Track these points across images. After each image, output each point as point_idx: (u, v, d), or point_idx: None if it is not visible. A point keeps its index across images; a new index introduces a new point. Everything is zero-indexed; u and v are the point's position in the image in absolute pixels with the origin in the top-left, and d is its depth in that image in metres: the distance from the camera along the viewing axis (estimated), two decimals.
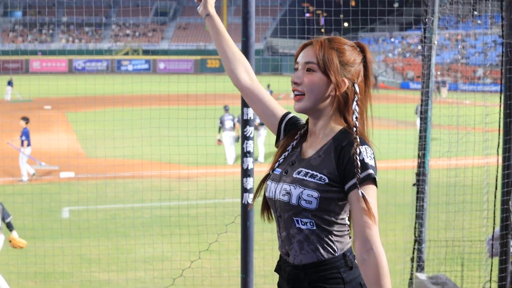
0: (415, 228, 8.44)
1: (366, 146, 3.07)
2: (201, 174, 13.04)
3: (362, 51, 3.24)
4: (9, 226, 9.23)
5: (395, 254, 9.47)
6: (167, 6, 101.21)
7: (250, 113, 5.79)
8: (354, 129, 3.11)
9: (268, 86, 39.96)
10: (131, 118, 9.92)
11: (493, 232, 7.28)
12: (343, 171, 3.03)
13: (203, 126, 9.20)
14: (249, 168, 5.83)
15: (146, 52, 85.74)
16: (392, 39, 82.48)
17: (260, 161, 20.37)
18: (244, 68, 3.52)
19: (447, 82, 46.92)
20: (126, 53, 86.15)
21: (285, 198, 3.10)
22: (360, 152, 3.02)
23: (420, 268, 8.46)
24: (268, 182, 3.26)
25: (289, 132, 3.41)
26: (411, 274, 8.54)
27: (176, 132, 9.22)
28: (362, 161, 3.00)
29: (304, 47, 3.24)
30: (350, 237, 3.21)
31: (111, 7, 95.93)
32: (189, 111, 8.93)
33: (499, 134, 7.07)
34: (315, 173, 3.07)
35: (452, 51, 57.30)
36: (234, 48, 3.54)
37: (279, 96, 41.28)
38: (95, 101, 10.60)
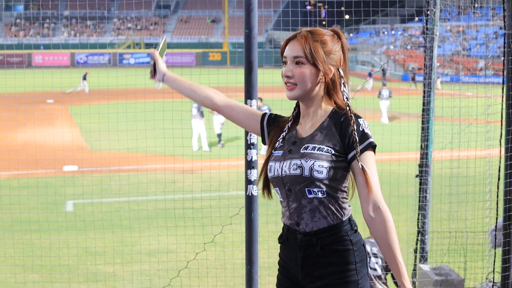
0: (418, 219, 8.47)
1: (363, 119, 3.54)
2: (205, 167, 13.11)
3: (339, 37, 3.65)
4: None
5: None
6: None
7: (254, 105, 5.81)
8: (347, 107, 3.55)
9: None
10: (135, 111, 9.96)
11: (496, 223, 7.32)
12: (347, 142, 3.47)
13: (207, 119, 9.23)
14: (253, 160, 5.86)
15: (148, 46, 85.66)
16: (393, 31, 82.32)
17: (262, 154, 20.50)
18: (213, 92, 3.92)
19: (437, 74, 47.09)
20: (128, 47, 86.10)
21: (297, 171, 3.47)
22: (360, 124, 3.48)
23: (424, 259, 8.50)
24: (271, 163, 3.64)
25: (273, 125, 3.82)
26: (415, 265, 8.58)
27: (180, 125, 9.25)
28: (363, 131, 3.47)
29: (288, 41, 3.63)
30: (349, 206, 3.62)
31: (113, 0, 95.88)
32: (193, 103, 8.96)
33: (501, 125, 7.10)
34: (321, 146, 3.48)
35: (454, 43, 57.20)
36: (195, 85, 3.95)
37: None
38: (99, 94, 10.61)
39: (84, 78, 42.32)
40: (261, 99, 21.31)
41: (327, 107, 3.62)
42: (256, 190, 5.88)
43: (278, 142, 3.69)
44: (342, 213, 3.54)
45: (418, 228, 8.44)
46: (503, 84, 7.06)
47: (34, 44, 79.90)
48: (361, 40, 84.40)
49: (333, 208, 3.51)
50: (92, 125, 14.47)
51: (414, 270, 8.57)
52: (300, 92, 3.57)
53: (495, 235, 7.24)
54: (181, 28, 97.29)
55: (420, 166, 8.47)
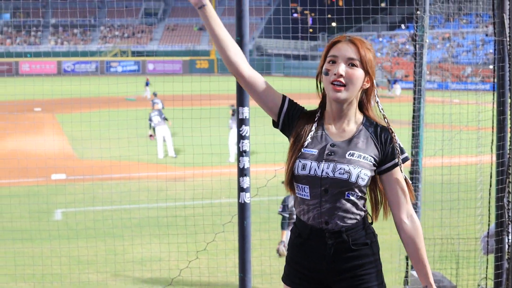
0: None
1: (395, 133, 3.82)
2: (197, 174, 13.05)
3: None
4: None
5: (390, 253, 9.53)
6: (156, 7, 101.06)
7: (246, 112, 5.82)
8: (385, 119, 3.81)
9: None
10: (126, 119, 9.95)
11: (488, 229, 7.33)
12: (386, 153, 3.74)
13: (198, 126, 9.22)
14: (245, 167, 5.86)
15: (137, 54, 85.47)
16: (380, 39, 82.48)
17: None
18: (242, 59, 3.80)
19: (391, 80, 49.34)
20: (115, 55, 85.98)
21: (345, 176, 3.64)
22: (397, 138, 3.75)
23: None
24: (305, 161, 3.73)
25: (292, 114, 3.86)
26: (406, 272, 8.59)
27: (172, 133, 9.23)
28: (399, 145, 3.75)
29: (336, 42, 3.74)
30: None
31: (99, 8, 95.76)
32: (184, 111, 8.97)
33: (492, 132, 7.13)
34: (366, 155, 3.69)
35: (440, 50, 57.39)
36: (231, 39, 3.78)
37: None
38: (89, 102, 10.58)
39: (147, 84, 43.05)
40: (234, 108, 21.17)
41: (358, 114, 3.81)
42: (248, 197, 5.88)
43: (305, 139, 3.78)
44: (365, 210, 3.82)
45: None
46: (493, 90, 7.09)
47: (21, 52, 79.59)
48: None
49: (360, 207, 3.75)
50: (83, 133, 14.39)
51: (406, 277, 8.57)
52: (348, 94, 3.69)
53: (487, 241, 7.26)
54: (168, 36, 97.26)
55: (411, 173, 8.48)
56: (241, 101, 5.80)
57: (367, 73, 3.71)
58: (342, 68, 3.65)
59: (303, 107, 3.93)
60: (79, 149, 21.22)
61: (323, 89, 3.85)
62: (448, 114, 8.83)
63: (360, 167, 3.65)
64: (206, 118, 10.72)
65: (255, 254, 10.18)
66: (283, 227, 9.96)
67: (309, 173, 3.69)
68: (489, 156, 7.24)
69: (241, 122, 5.83)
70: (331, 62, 3.69)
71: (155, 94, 27.66)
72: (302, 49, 79.97)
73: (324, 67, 3.72)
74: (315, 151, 3.72)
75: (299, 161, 3.73)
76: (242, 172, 5.88)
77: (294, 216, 10.00)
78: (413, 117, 8.52)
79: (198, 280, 9.37)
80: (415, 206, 8.40)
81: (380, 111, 3.83)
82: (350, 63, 3.67)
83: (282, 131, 3.91)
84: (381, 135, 3.75)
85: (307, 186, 3.73)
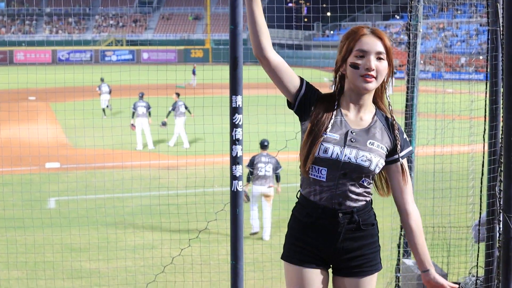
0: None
1: None
2: (190, 163, 13.07)
3: None
4: None
5: (381, 241, 9.54)
6: None
7: (239, 100, 5.81)
8: (391, 114, 3.97)
9: None
10: (120, 108, 9.94)
11: (480, 217, 7.36)
12: (398, 144, 3.90)
13: (192, 116, 9.21)
14: (238, 155, 5.85)
15: (132, 43, 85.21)
16: None
17: (186, 147, 20.54)
18: (270, 45, 3.85)
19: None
20: (110, 44, 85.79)
21: (366, 163, 3.81)
22: (403, 131, 3.96)
23: (407, 254, 8.52)
24: (328, 145, 3.82)
25: (310, 97, 3.93)
26: (398, 260, 8.61)
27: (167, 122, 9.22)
28: (405, 139, 3.96)
29: (362, 35, 3.82)
30: None
31: None
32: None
33: (485, 121, 7.14)
34: (381, 144, 3.87)
35: (434, 40, 57.39)
36: (266, 25, 3.84)
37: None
38: (83, 91, 10.58)
39: (194, 72, 43.02)
40: (178, 95, 20.80)
41: (372, 105, 3.95)
42: (241, 185, 5.89)
43: (327, 125, 3.86)
44: (370, 193, 3.97)
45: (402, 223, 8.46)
46: (486, 80, 7.09)
47: (15, 41, 79.37)
48: None
49: (369, 191, 3.93)
50: (75, 121, 14.32)
51: (398, 265, 8.60)
52: (376, 85, 3.83)
53: (479, 229, 7.28)
54: (163, 25, 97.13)
55: None
56: (234, 90, 5.79)
57: (389, 64, 3.84)
58: (374, 63, 3.77)
59: (319, 90, 4.01)
60: (73, 137, 21.24)
61: (338, 77, 3.96)
62: (441, 103, 8.85)
63: (379, 156, 3.84)
64: (199, 107, 10.72)
65: (247, 242, 10.20)
66: (248, 180, 11.40)
67: (331, 156, 3.81)
68: (481, 145, 7.25)
69: (234, 111, 5.81)
70: (359, 56, 3.79)
71: (102, 79, 26.99)
72: (296, 38, 79.93)
73: (350, 61, 3.81)
74: (337, 136, 3.83)
75: (322, 144, 3.82)
76: (235, 161, 5.86)
77: (259, 172, 10.52)
78: (406, 106, 8.52)
79: (191, 267, 9.39)
80: None
81: (388, 103, 3.98)
82: (378, 57, 3.80)
83: (297, 112, 3.97)
84: (393, 127, 3.92)
85: (325, 169, 3.85)
